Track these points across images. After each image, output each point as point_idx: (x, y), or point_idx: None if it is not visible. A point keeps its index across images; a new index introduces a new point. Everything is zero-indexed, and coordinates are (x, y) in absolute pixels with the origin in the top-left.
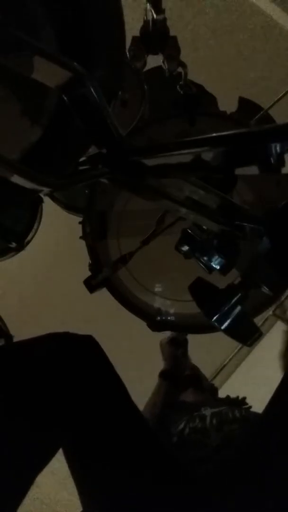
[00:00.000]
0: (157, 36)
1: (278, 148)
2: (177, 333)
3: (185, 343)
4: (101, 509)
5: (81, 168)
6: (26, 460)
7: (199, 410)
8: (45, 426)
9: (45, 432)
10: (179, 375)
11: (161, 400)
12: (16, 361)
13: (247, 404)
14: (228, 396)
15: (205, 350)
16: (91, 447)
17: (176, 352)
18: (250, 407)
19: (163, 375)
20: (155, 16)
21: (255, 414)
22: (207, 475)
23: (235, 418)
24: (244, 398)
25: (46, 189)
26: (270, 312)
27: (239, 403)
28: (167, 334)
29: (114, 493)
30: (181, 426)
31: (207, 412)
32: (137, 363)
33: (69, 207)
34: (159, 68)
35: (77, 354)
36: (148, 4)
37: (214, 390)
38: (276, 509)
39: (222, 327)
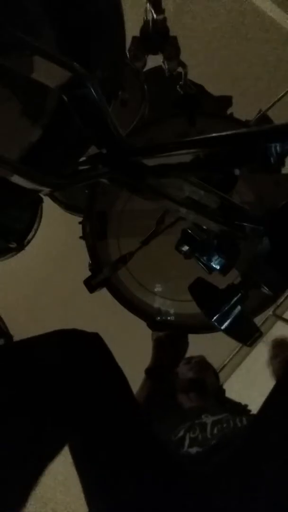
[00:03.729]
0: (157, 36)
1: (278, 148)
2: (165, 334)
3: (175, 343)
4: (104, 508)
5: (81, 168)
6: (30, 460)
7: (199, 418)
8: (49, 425)
9: (49, 431)
10: (162, 375)
11: (145, 397)
12: (23, 358)
13: (250, 411)
14: (231, 400)
15: (205, 350)
16: (94, 446)
17: (158, 352)
18: (254, 415)
19: (146, 372)
20: (155, 16)
21: None
22: (205, 476)
23: (235, 427)
24: (246, 406)
25: (46, 189)
26: (270, 312)
27: (242, 410)
28: None
29: (116, 493)
30: (181, 433)
31: (208, 420)
32: (137, 363)
33: (69, 207)
34: (159, 68)
35: (84, 352)
36: (148, 4)
37: (221, 393)
38: (270, 509)
39: (222, 327)
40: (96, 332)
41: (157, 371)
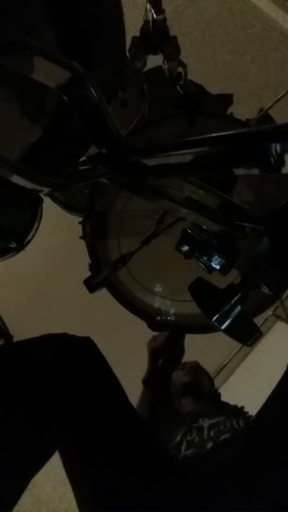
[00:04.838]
0: (157, 36)
1: (278, 148)
2: (160, 343)
3: (171, 350)
4: (102, 510)
5: (81, 168)
6: (23, 460)
7: (197, 421)
8: (42, 426)
9: (43, 432)
10: (160, 383)
11: (146, 409)
12: (14, 362)
13: (247, 413)
14: (227, 404)
15: (205, 350)
16: (87, 448)
17: (154, 360)
18: (251, 416)
19: (143, 382)
20: (155, 16)
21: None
22: (205, 477)
23: (232, 428)
24: (242, 408)
25: (46, 189)
26: (270, 312)
27: (238, 413)
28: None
29: (109, 494)
30: (178, 438)
31: (205, 423)
32: (137, 363)
33: (69, 207)
34: (159, 68)
35: (75, 356)
36: (148, 4)
37: (217, 396)
38: (270, 509)
39: (222, 327)
40: (87, 336)
41: (155, 381)
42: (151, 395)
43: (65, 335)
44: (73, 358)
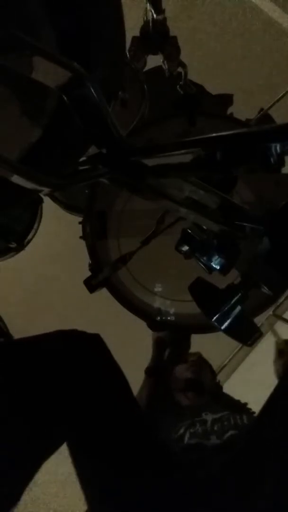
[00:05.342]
0: (157, 36)
1: (278, 148)
2: (167, 334)
3: (173, 346)
4: (104, 507)
5: (81, 168)
6: (29, 458)
7: (199, 416)
8: (47, 423)
9: (43, 432)
10: (162, 373)
11: (146, 395)
12: (22, 356)
13: (250, 409)
14: (228, 396)
15: (205, 350)
16: (94, 444)
17: (159, 351)
18: (254, 412)
19: (146, 371)
20: (155, 16)
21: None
22: (206, 476)
23: (236, 425)
24: (245, 404)
25: (46, 189)
26: (270, 312)
27: (241, 408)
28: None
29: (116, 492)
30: (181, 431)
31: (208, 417)
32: (137, 363)
33: (69, 207)
34: (159, 68)
35: (84, 352)
36: (148, 4)
37: (218, 389)
38: (271, 509)
39: (222, 327)
40: (97, 333)
41: (157, 370)
42: (152, 384)
43: (74, 331)
44: (81, 355)
